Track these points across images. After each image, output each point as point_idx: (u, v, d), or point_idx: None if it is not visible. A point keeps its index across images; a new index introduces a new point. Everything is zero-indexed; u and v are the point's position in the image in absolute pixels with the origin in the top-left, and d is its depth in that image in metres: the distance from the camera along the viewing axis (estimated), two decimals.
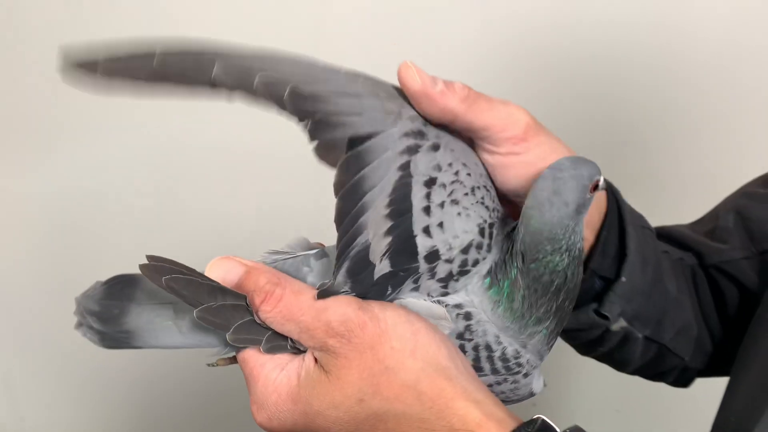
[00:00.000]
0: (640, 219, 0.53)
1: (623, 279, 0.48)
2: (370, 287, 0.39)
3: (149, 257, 0.38)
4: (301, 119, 0.38)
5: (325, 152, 0.38)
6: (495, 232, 0.41)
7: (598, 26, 1.07)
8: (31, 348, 1.33)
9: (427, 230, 0.39)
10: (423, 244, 0.39)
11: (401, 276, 0.39)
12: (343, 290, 0.38)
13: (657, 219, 0.60)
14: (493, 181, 0.43)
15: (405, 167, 0.39)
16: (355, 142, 0.38)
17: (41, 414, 1.40)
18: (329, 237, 0.42)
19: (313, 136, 0.38)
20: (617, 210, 0.50)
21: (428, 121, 0.41)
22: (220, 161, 1.19)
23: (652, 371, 0.57)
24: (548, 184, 0.39)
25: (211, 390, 1.36)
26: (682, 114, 1.09)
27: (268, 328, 0.39)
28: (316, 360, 0.39)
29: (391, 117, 0.39)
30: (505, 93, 0.45)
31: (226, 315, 0.37)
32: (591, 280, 0.49)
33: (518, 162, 0.42)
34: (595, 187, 0.40)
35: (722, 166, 1.06)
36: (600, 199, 0.49)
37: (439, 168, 0.39)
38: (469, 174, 0.41)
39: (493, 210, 0.41)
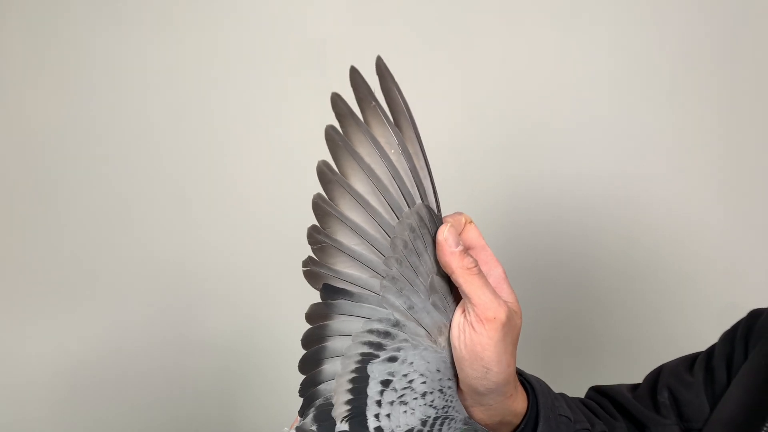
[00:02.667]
0: (557, 409, 0.62)
1: None
2: None
3: None
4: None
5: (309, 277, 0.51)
6: (442, 427, 0.50)
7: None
8: None
9: (377, 416, 0.50)
10: (372, 424, 0.50)
11: None
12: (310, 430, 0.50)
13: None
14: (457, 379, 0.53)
15: (365, 363, 0.51)
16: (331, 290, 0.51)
17: None
18: None
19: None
20: (535, 403, 0.59)
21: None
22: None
23: None
24: None
25: None
26: None
27: None
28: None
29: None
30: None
31: None
32: None
33: (470, 334, 0.52)
34: None
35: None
36: (521, 398, 0.58)
37: (393, 375, 0.51)
38: (423, 382, 0.51)
39: (443, 408, 0.51)
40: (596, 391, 0.74)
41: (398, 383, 0.51)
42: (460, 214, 0.53)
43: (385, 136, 0.49)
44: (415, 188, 0.49)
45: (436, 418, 0.50)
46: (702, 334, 0.74)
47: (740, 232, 1.16)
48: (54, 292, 1.24)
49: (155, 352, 1.33)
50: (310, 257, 0.50)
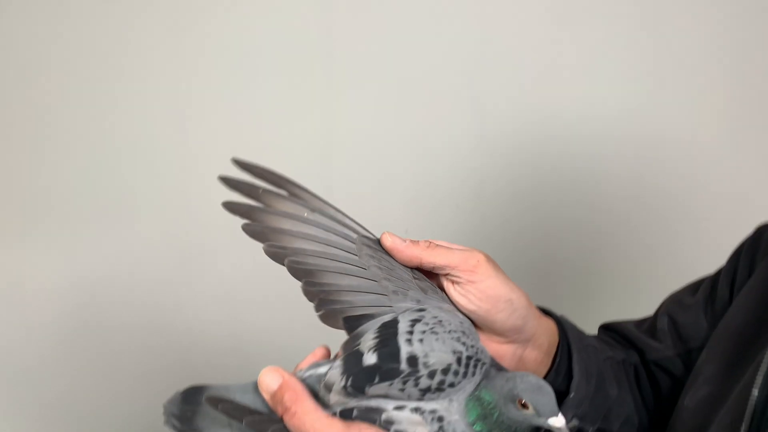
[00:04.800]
0: (585, 340, 0.67)
1: (572, 394, 0.62)
2: (358, 372, 0.51)
3: (208, 395, 0.54)
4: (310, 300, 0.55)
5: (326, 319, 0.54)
6: (473, 369, 0.52)
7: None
8: (47, 417, 1.32)
9: (409, 341, 0.51)
10: (404, 349, 0.51)
11: (386, 371, 0.51)
12: (339, 380, 0.51)
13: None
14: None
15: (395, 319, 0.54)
16: (353, 320, 0.54)
17: None
18: None
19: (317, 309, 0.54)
20: (565, 337, 0.64)
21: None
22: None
23: None
24: (509, 376, 0.52)
25: None
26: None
27: None
28: None
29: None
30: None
31: (264, 424, 0.52)
32: None
33: (474, 289, 0.56)
34: (522, 405, 0.51)
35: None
36: (552, 331, 0.63)
37: (422, 317, 0.53)
38: (450, 323, 0.53)
39: (471, 348, 0.52)
40: (604, 328, 0.77)
41: (428, 320, 0.53)
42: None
43: (291, 207, 0.56)
44: (344, 228, 0.57)
45: (468, 357, 0.52)
46: (711, 269, 0.74)
47: (750, 168, 1.17)
48: (60, 219, 1.21)
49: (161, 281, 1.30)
50: (320, 299, 0.54)
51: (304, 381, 0.53)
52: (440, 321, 0.53)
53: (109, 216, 1.21)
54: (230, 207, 0.54)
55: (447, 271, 0.56)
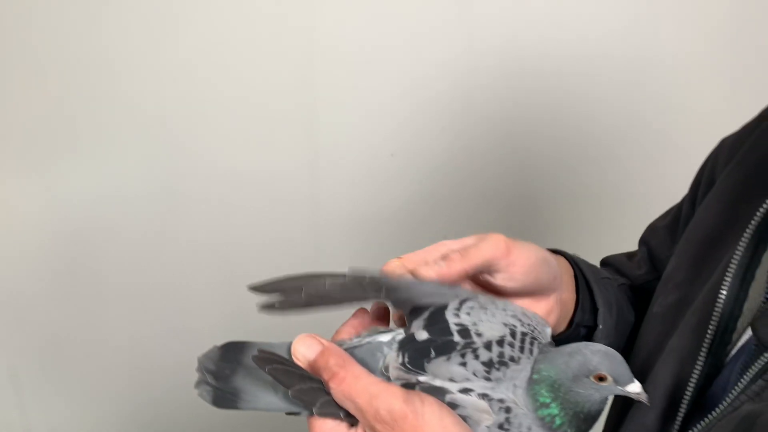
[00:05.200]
0: (598, 272, 0.68)
1: (600, 326, 0.64)
2: (414, 348, 0.50)
3: (260, 351, 0.49)
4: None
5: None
6: (529, 346, 0.50)
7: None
8: (37, 346, 1.33)
9: (456, 314, 0.51)
10: (452, 321, 0.50)
11: (441, 345, 0.49)
12: (396, 356, 0.50)
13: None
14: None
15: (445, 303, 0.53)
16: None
17: (47, 412, 1.39)
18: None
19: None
20: (582, 274, 0.65)
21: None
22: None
23: None
24: (570, 350, 0.49)
25: None
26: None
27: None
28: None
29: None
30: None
31: (313, 395, 0.48)
32: (577, 330, 0.63)
33: (516, 268, 0.55)
34: (599, 379, 0.48)
35: None
36: (568, 268, 0.64)
37: (472, 298, 0.52)
38: (506, 304, 0.53)
39: (527, 326, 0.51)
40: (602, 264, 0.78)
41: (480, 300, 0.52)
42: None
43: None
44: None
45: (524, 334, 0.50)
46: None
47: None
48: (45, 149, 1.19)
49: (161, 358, 1.31)
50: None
51: (353, 350, 0.51)
52: (493, 301, 0.53)
53: (92, 144, 1.19)
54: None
55: (488, 266, 0.55)
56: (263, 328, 1.33)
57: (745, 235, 0.58)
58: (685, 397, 0.57)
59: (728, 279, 0.57)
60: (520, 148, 1.22)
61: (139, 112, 1.19)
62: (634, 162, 1.21)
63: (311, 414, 0.48)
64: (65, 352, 1.30)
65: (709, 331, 0.57)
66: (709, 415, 0.53)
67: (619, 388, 0.48)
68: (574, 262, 0.66)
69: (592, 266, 0.68)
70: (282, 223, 1.22)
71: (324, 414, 0.48)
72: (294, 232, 1.22)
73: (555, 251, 0.65)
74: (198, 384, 0.50)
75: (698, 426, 0.53)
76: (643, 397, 0.49)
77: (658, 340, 0.63)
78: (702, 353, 0.57)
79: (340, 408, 0.48)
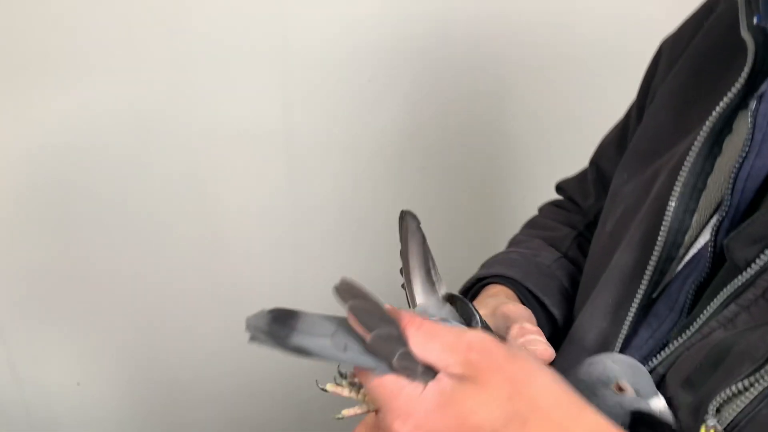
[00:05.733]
0: (541, 271, 0.69)
1: (560, 323, 0.66)
2: None
3: (343, 281, 0.44)
4: None
5: None
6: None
7: None
8: (26, 300, 1.31)
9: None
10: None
11: None
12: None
13: None
14: None
15: None
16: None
17: (35, 367, 1.39)
18: None
19: None
20: (531, 294, 0.67)
21: None
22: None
23: None
24: (592, 360, 0.48)
25: (214, 344, 1.34)
26: None
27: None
28: (452, 378, 0.43)
29: None
30: None
31: (391, 345, 0.43)
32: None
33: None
34: (619, 389, 0.46)
35: None
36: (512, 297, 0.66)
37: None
38: None
39: None
40: (558, 188, 0.77)
41: None
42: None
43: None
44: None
45: None
46: None
47: None
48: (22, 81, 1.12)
49: (154, 305, 1.30)
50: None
51: None
52: None
53: (74, 74, 1.12)
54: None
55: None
56: (244, 252, 1.31)
57: (699, 137, 0.53)
58: (628, 317, 0.53)
59: (677, 188, 0.53)
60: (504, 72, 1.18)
61: (118, 36, 1.12)
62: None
63: (389, 368, 0.44)
64: (45, 287, 1.29)
65: (657, 246, 0.53)
66: (674, 342, 0.49)
67: (642, 401, 0.45)
68: (521, 285, 0.67)
69: (531, 269, 0.68)
70: (255, 149, 1.19)
71: (402, 368, 0.43)
72: (268, 154, 1.19)
73: (499, 276, 0.67)
74: (252, 340, 0.46)
75: (662, 353, 0.50)
76: (668, 416, 0.46)
77: (603, 260, 0.59)
78: (648, 270, 0.53)
79: (418, 363, 0.43)
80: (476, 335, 0.43)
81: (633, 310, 0.53)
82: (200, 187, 1.22)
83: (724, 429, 0.43)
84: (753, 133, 0.49)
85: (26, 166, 1.18)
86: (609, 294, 0.55)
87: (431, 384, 0.43)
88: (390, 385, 0.43)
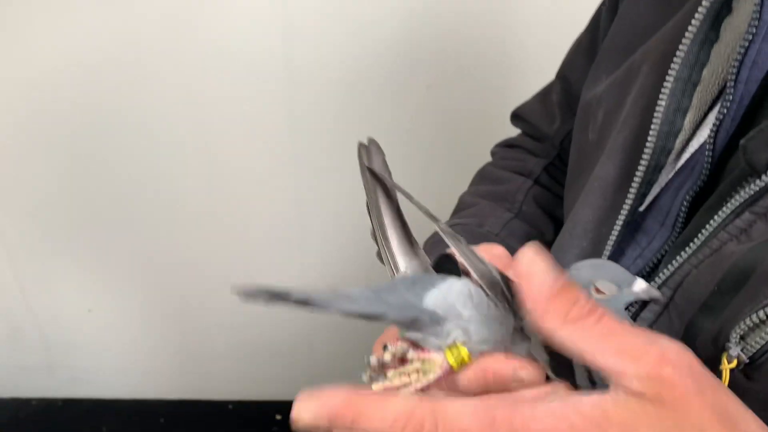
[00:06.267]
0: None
1: None
2: None
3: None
4: None
5: None
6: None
7: None
8: (37, 231, 1.31)
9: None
10: None
11: None
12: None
13: None
14: None
15: None
16: None
17: (47, 296, 1.40)
18: None
19: None
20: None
21: None
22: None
23: None
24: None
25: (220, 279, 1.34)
26: None
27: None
28: (626, 393, 0.31)
29: None
30: None
31: (495, 287, 0.35)
32: None
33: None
34: (598, 292, 0.39)
35: None
36: None
37: None
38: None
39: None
40: (514, 117, 0.69)
41: None
42: None
43: None
44: None
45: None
46: None
47: None
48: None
49: (155, 227, 1.29)
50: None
51: None
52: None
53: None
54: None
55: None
56: (245, 195, 1.29)
57: (694, 20, 0.44)
58: (612, 234, 0.46)
59: (669, 83, 0.44)
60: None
61: None
62: None
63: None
64: (59, 217, 1.29)
65: (645, 153, 0.45)
66: (678, 257, 0.42)
67: (624, 293, 0.39)
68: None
69: (483, 237, 0.60)
70: (255, 84, 1.15)
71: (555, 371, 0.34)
72: (269, 87, 1.15)
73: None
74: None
75: (664, 272, 0.42)
76: (654, 293, 0.40)
77: (583, 171, 0.52)
78: (636, 181, 0.46)
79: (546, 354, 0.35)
80: (673, 345, 0.31)
81: (618, 226, 0.46)
82: (203, 134, 1.20)
83: (749, 359, 0.36)
84: (761, 12, 0.41)
85: (36, 93, 1.16)
86: (590, 209, 0.48)
87: (591, 398, 0.30)
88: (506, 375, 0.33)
